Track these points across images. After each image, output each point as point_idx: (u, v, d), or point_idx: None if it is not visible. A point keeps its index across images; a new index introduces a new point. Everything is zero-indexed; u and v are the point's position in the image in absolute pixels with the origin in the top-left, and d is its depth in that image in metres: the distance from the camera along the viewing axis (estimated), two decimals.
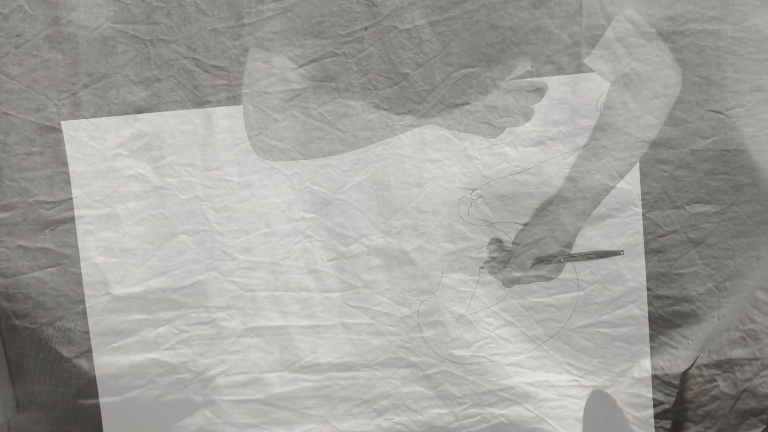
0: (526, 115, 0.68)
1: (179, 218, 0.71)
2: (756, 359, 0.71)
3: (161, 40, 0.67)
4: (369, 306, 0.73)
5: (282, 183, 0.71)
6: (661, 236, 0.69)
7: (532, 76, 0.67)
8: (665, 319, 0.71)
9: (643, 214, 0.69)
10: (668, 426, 0.73)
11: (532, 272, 0.72)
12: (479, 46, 0.66)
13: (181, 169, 0.70)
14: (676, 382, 0.72)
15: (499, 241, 0.71)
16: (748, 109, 0.66)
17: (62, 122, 0.69)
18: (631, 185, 0.69)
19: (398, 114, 0.68)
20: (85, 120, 0.69)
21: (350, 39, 0.66)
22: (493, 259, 0.72)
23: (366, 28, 0.64)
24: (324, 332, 0.73)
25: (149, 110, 0.69)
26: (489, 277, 0.72)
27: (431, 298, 0.72)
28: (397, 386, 0.74)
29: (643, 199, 0.69)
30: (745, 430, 0.72)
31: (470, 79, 0.67)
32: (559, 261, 0.71)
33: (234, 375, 0.73)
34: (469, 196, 0.70)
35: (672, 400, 0.72)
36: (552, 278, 0.71)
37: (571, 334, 0.72)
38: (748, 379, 0.71)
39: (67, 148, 0.69)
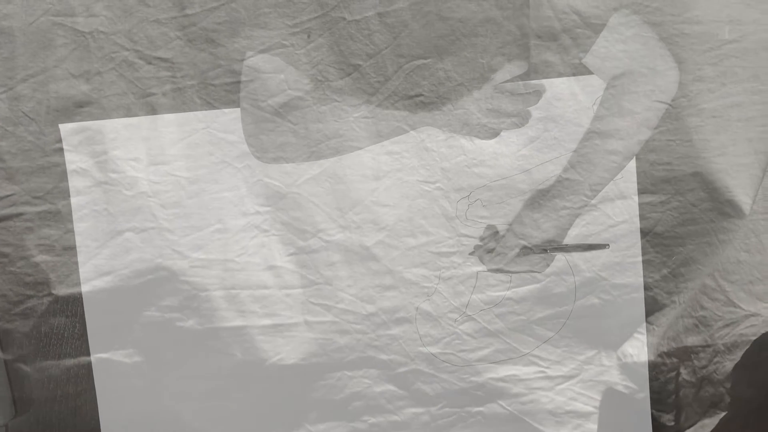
0: (524, 117, 0.73)
1: (125, 215, 0.73)
2: (708, 346, 0.77)
3: (102, 32, 0.69)
4: (332, 303, 0.76)
5: (233, 176, 0.73)
6: (612, 226, 0.75)
7: (528, 78, 0.72)
8: (624, 306, 0.77)
9: (595, 206, 0.74)
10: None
11: (518, 264, 0.76)
12: (430, 37, 0.70)
13: (125, 164, 0.72)
14: (645, 371, 0.77)
15: (495, 230, 0.75)
16: (691, 99, 0.72)
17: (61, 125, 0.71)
18: (582, 176, 0.74)
19: (351, 106, 0.72)
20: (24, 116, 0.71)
21: (298, 30, 0.70)
22: (483, 245, 0.76)
23: (309, 35, 0.68)
24: (287, 331, 0.76)
25: (90, 104, 0.71)
26: (450, 272, 0.76)
27: (396, 295, 0.75)
28: (369, 386, 0.77)
29: (593, 190, 0.74)
30: (708, 417, 0.78)
31: (423, 70, 0.71)
32: (545, 251, 0.75)
33: (195, 379, 0.76)
34: (467, 198, 0.74)
35: (645, 389, 0.78)
36: (540, 272, 0.76)
37: (533, 326, 0.77)
38: (704, 367, 0.78)
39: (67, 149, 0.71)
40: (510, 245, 0.76)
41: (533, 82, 0.72)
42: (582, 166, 0.74)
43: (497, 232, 0.76)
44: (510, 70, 0.71)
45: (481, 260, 0.76)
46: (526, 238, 0.76)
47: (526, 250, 0.76)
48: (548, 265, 0.76)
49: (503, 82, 0.72)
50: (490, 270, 0.76)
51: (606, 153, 0.74)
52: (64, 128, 0.71)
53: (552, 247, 0.76)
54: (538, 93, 0.72)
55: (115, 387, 0.76)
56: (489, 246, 0.76)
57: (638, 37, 0.71)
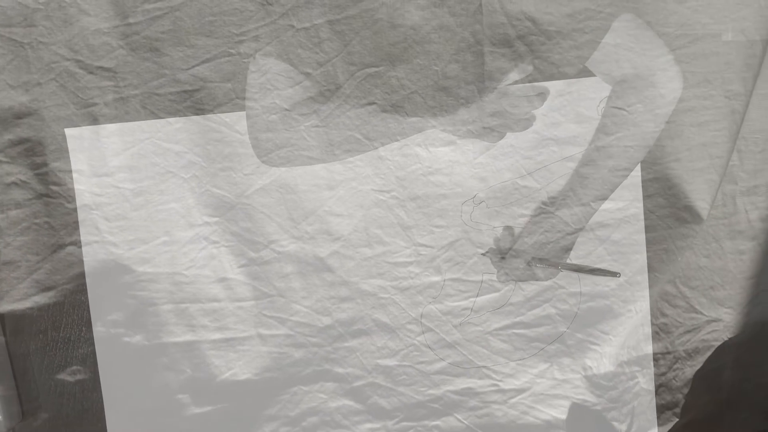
0: (528, 120, 0.76)
1: (67, 228, 0.75)
2: (668, 353, 0.82)
3: (41, 42, 0.72)
4: (286, 316, 0.79)
5: (179, 187, 0.76)
6: (570, 234, 0.79)
7: (531, 81, 0.76)
8: (581, 316, 0.81)
9: (552, 213, 0.78)
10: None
11: (525, 275, 0.80)
12: (381, 45, 0.74)
13: (66, 176, 0.74)
14: (605, 382, 0.81)
15: (512, 232, 0.79)
16: (646, 105, 0.76)
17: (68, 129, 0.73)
18: (538, 182, 0.78)
19: (302, 114, 0.75)
20: None
21: (245, 38, 0.73)
22: (497, 248, 0.79)
23: (257, 43, 0.71)
24: (239, 345, 0.79)
25: (29, 115, 0.74)
26: (408, 282, 0.79)
27: (353, 306, 0.78)
28: (324, 401, 0.80)
29: (550, 197, 0.78)
30: (662, 425, 0.82)
31: (375, 78, 0.75)
32: (557, 269, 0.79)
33: (142, 398, 0.78)
34: (472, 201, 0.78)
35: (602, 400, 0.82)
36: (546, 280, 0.80)
37: (488, 338, 0.80)
38: (663, 374, 0.82)
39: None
40: (520, 256, 0.79)
41: (538, 84, 0.75)
42: (539, 173, 0.78)
43: (513, 235, 0.79)
44: (519, 72, 0.74)
45: (493, 264, 0.79)
46: (483, 247, 0.79)
47: (534, 262, 0.79)
48: (553, 276, 0.80)
49: (510, 84, 0.75)
50: (498, 277, 0.80)
51: (563, 160, 0.78)
52: (70, 132, 0.73)
53: (563, 264, 0.79)
54: (543, 96, 0.76)
55: (121, 389, 0.79)
56: (503, 248, 0.79)
57: (641, 41, 0.75)
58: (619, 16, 0.74)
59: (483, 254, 0.79)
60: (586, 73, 0.76)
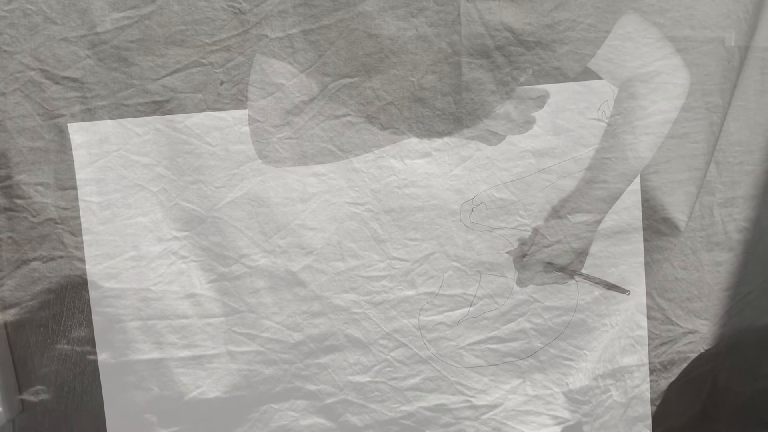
0: (528, 123, 0.81)
1: (31, 243, 0.79)
2: (643, 365, 0.89)
3: (5, 51, 0.75)
4: (257, 332, 0.83)
5: (148, 200, 0.80)
6: (546, 247, 0.85)
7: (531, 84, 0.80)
8: (555, 330, 0.87)
9: (528, 225, 0.84)
10: None
11: (544, 277, 0.86)
12: (357, 55, 0.78)
13: (31, 189, 0.78)
14: (579, 397, 0.87)
15: (537, 233, 0.85)
16: (625, 117, 0.82)
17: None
18: (514, 195, 0.83)
19: (274, 126, 0.79)
20: None
21: (217, 48, 0.77)
22: (520, 249, 0.85)
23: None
24: (208, 363, 0.83)
25: None
26: (381, 297, 0.84)
27: (325, 322, 0.83)
28: (295, 419, 0.85)
29: (527, 210, 0.84)
30: None
31: (350, 89, 0.79)
32: (572, 277, 0.85)
33: (108, 416, 0.82)
34: (471, 202, 0.82)
35: (576, 416, 0.88)
36: (562, 284, 0.86)
37: (462, 353, 0.86)
38: (637, 386, 0.89)
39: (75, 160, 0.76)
40: (536, 259, 0.85)
41: (538, 87, 0.80)
42: (515, 185, 0.84)
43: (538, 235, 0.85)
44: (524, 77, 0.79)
45: (514, 264, 0.85)
46: (458, 260, 0.85)
47: (549, 267, 0.85)
48: (567, 282, 0.86)
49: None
50: (517, 282, 0.85)
51: (539, 172, 0.83)
52: (72, 127, 0.76)
53: (578, 274, 0.85)
54: (542, 99, 0.81)
55: (122, 385, 0.82)
56: (524, 250, 0.85)
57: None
58: (625, 16, 0.79)
59: (507, 253, 0.84)
60: (563, 84, 0.81)
